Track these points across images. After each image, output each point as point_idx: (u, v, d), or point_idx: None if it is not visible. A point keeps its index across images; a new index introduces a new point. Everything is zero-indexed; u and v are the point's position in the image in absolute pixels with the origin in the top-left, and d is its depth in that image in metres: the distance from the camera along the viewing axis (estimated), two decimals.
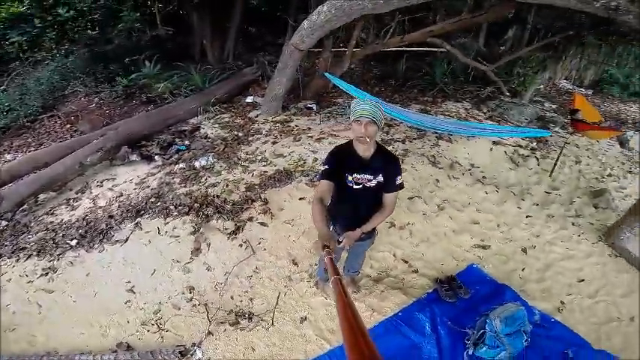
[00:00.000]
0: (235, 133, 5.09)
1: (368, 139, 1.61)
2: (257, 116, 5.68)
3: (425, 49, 5.34)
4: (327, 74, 4.95)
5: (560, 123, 5.85)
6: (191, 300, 2.44)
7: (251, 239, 3.06)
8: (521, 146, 5.05)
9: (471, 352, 2.21)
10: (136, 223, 3.16)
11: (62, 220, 3.23)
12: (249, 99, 6.14)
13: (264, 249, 2.98)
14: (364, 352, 0.66)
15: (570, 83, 7.42)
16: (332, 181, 1.68)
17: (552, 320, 2.50)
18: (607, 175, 4.66)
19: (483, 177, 4.33)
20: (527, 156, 4.89)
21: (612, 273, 3.04)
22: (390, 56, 6.59)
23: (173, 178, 3.96)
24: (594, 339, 2.39)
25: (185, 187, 3.81)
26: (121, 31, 5.66)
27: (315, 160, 4.42)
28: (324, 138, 4.96)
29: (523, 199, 4.05)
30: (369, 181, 1.73)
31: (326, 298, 2.57)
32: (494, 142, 4.93)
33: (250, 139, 4.95)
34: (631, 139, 4.94)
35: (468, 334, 2.34)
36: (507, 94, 5.36)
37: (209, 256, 2.85)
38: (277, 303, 2.46)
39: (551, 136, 4.85)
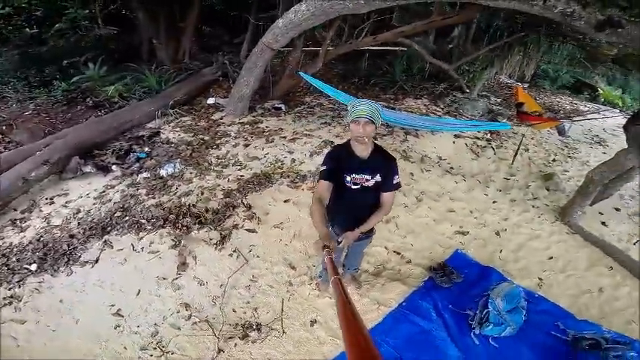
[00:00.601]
0: (201, 136, 4.79)
1: (366, 139, 1.63)
2: (222, 118, 5.41)
3: (387, 48, 5.56)
4: (301, 73, 4.90)
5: (507, 115, 6.53)
6: (190, 318, 2.22)
7: (241, 247, 2.89)
8: (478, 138, 5.53)
9: (478, 332, 2.34)
10: (105, 241, 2.79)
11: (12, 244, 2.73)
12: (210, 100, 5.83)
13: (257, 256, 2.84)
14: (364, 351, 0.67)
15: (508, 77, 8.32)
16: (330, 181, 1.68)
17: (537, 296, 2.76)
18: (552, 161, 5.31)
19: (451, 168, 4.65)
20: (485, 147, 5.37)
21: (573, 249, 3.45)
22: (351, 55, 6.74)
23: (138, 190, 3.59)
24: (576, 311, 2.69)
25: (154, 198, 3.48)
26: (59, 30, 4.97)
27: (293, 161, 4.36)
28: (298, 138, 4.91)
29: (488, 187, 4.43)
30: (367, 181, 1.74)
31: (330, 298, 2.53)
32: (455, 136, 5.32)
33: (219, 142, 4.70)
34: (568, 128, 5.70)
35: (470, 315, 2.49)
36: (467, 90, 5.84)
37: (198, 269, 2.63)
38: (283, 309, 2.36)
39: (511, 129, 5.37)
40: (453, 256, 3.19)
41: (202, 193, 3.60)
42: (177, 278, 2.52)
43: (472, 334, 2.36)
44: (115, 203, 3.29)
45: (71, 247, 2.68)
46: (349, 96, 4.75)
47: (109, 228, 2.95)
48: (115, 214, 3.11)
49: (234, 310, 2.35)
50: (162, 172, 3.83)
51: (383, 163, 1.76)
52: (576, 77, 8.11)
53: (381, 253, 3.08)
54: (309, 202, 3.46)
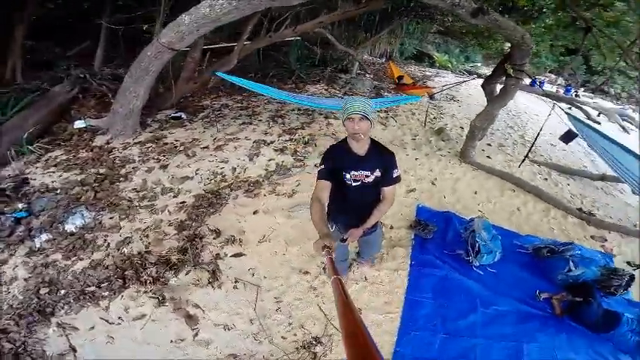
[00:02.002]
0: (94, 171, 3.74)
1: (362, 136, 1.64)
2: (109, 142, 4.35)
3: (285, 39, 5.60)
4: (219, 73, 4.39)
5: (386, 88, 7.72)
6: None
7: (240, 276, 2.55)
8: (379, 111, 6.38)
9: (477, 264, 2.88)
10: (60, 325, 1.97)
11: None
12: (78, 124, 4.54)
13: (264, 277, 2.57)
14: (364, 351, 0.68)
15: (368, 54, 9.70)
16: (329, 180, 1.69)
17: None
18: (433, 118, 6.67)
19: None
20: (387, 118, 6.26)
21: (484, 181, 4.55)
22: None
23: (48, 256, 2.60)
24: (516, 229, 3.58)
25: (80, 259, 2.60)
26: None
27: (234, 169, 4.00)
28: (223, 145, 4.48)
29: (405, 149, 5.24)
30: (367, 177, 1.76)
31: (357, 283, 2.60)
32: None
33: (124, 172, 3.81)
34: (438, 92, 7.24)
35: (461, 254, 3.02)
36: (360, 71, 6.53)
37: (212, 316, 2.18)
38: (325, 314, 2.28)
39: (420, 100, 6.35)
40: (418, 210, 3.70)
41: (147, 236, 2.91)
42: (197, 334, 2.04)
43: (473, 267, 2.89)
44: (26, 280, 2.32)
45: (17, 345, 1.77)
46: (279, 90, 4.65)
47: (50, 309, 2.13)
48: (41, 292, 2.22)
49: (283, 338, 2.11)
50: (70, 227, 2.87)
51: (381, 158, 1.78)
52: (417, 49, 10.28)
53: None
54: (280, 206, 3.42)
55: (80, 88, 5.07)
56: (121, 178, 3.68)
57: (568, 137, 4.76)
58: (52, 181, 3.51)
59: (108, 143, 4.32)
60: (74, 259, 2.59)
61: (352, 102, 1.61)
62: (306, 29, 4.88)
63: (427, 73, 9.90)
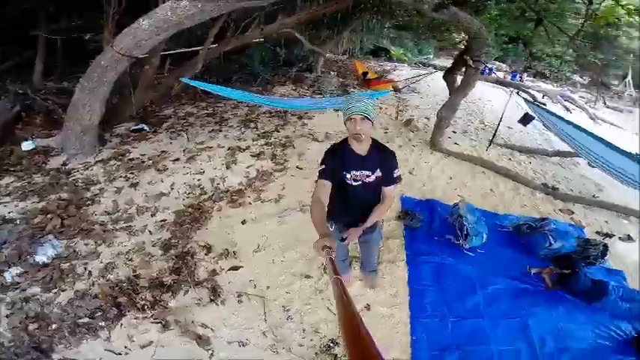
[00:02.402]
0: (54, 196, 3.40)
1: (363, 136, 1.66)
2: (67, 164, 3.98)
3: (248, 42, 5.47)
4: (185, 79, 4.16)
5: (352, 85, 7.88)
6: None
7: (242, 289, 2.48)
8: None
9: (467, 247, 3.04)
10: None
11: None
12: (26, 145, 4.10)
13: (267, 287, 2.52)
14: (365, 352, 0.69)
15: (331, 53, 9.83)
16: (330, 180, 1.70)
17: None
18: (400, 110, 6.92)
19: None
20: None
21: (456, 167, 4.82)
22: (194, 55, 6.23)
23: (25, 290, 2.34)
24: (493, 210, 3.84)
25: (64, 291, 2.37)
26: None
27: (213, 180, 3.85)
28: (196, 155, 4.30)
29: (389, 142, 5.33)
30: (368, 177, 1.76)
31: (361, 280, 2.65)
32: (335, 110, 6.05)
33: (89, 194, 3.51)
34: (402, 86, 7.51)
35: (450, 239, 3.18)
36: (324, 69, 6.57)
37: (223, 334, 2.09)
38: (335, 314, 2.29)
39: (388, 95, 6.49)
40: (403, 201, 3.83)
41: (131, 260, 2.71)
42: (212, 354, 1.95)
43: (464, 250, 3.05)
44: (8, 317, 2.10)
45: None
46: (251, 93, 4.55)
47: (47, 345, 1.94)
48: (30, 328, 2.03)
49: (300, 345, 2.08)
50: (41, 258, 2.60)
51: (382, 158, 1.79)
52: (374, 44, 10.60)
53: None
54: (268, 212, 3.36)
55: (22, 105, 4.58)
56: (88, 202, 3.39)
57: (526, 120, 5.21)
58: (9, 212, 3.13)
59: (65, 165, 3.95)
60: (55, 290, 2.36)
61: (354, 102, 1.61)
62: (273, 30, 4.81)
63: (386, 67, 10.26)
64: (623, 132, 8.72)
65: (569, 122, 4.18)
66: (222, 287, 2.47)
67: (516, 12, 4.93)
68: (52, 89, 4.93)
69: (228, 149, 4.46)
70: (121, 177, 3.81)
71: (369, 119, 1.62)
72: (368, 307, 2.43)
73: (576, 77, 14.39)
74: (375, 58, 11.09)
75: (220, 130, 5.06)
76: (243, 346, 2.04)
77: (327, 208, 1.68)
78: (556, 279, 2.71)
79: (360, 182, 1.77)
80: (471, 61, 4.76)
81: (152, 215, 3.29)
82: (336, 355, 2.05)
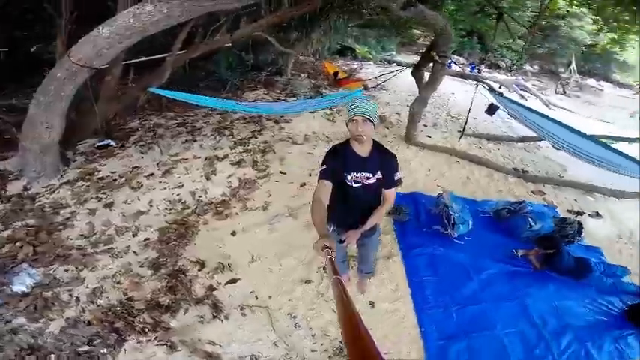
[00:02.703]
0: (20, 223, 3.13)
1: (365, 138, 1.67)
2: (27, 188, 3.67)
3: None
4: (153, 89, 3.96)
5: (324, 85, 7.94)
6: None
7: (244, 302, 2.42)
8: (323, 109, 6.54)
9: (455, 235, 3.19)
10: None
11: None
12: None
13: (269, 297, 2.49)
14: (365, 352, 0.69)
15: (301, 55, 9.82)
16: (330, 181, 1.71)
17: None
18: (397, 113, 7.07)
19: (327, 137, 5.39)
20: (331, 114, 6.46)
21: (432, 159, 5.02)
22: (159, 63, 5.98)
23: (8, 323, 2.17)
24: (472, 196, 4.07)
25: (52, 320, 2.22)
26: None
27: (194, 194, 3.73)
28: (172, 169, 4.14)
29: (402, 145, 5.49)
30: (369, 179, 1.78)
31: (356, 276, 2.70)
32: (310, 112, 6.08)
33: (59, 219, 3.27)
34: (373, 85, 7.69)
35: (438, 229, 3.32)
36: (294, 72, 6.57)
37: (233, 349, 2.05)
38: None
39: (363, 94, 6.55)
40: None
41: (119, 283, 2.57)
42: None
43: (453, 239, 3.20)
44: (2, 351, 1.94)
45: None
46: (225, 100, 4.44)
47: None
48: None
49: (313, 351, 2.07)
50: (20, 288, 2.41)
51: (384, 160, 1.81)
52: (340, 44, 10.76)
53: None
54: (257, 221, 3.32)
55: None
56: (60, 227, 3.15)
57: (491, 110, 5.54)
58: None
59: (27, 189, 3.64)
60: (44, 320, 2.20)
61: (355, 104, 1.64)
62: (244, 34, 4.73)
63: (353, 66, 10.45)
64: (574, 115, 9.52)
65: (532, 110, 4.51)
66: (222, 302, 2.41)
67: (476, 7, 5.25)
68: (2, 107, 4.51)
69: (206, 159, 4.34)
70: (92, 198, 3.58)
71: (371, 121, 1.64)
72: (372, 304, 2.48)
73: (527, 66, 15.51)
74: (342, 58, 11.25)
75: (194, 140, 4.90)
76: (256, 359, 2.00)
77: (326, 209, 1.66)
78: (542, 259, 2.91)
79: (360, 184, 1.78)
80: (438, 57, 4.99)
81: (134, 235, 3.13)
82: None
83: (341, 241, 1.83)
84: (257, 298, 2.47)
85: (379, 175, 1.79)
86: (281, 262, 2.85)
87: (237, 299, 2.44)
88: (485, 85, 5.66)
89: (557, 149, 5.01)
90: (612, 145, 4.13)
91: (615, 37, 5.84)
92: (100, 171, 4.07)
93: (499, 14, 4.54)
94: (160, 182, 3.90)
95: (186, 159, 4.36)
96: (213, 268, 2.71)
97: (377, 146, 1.82)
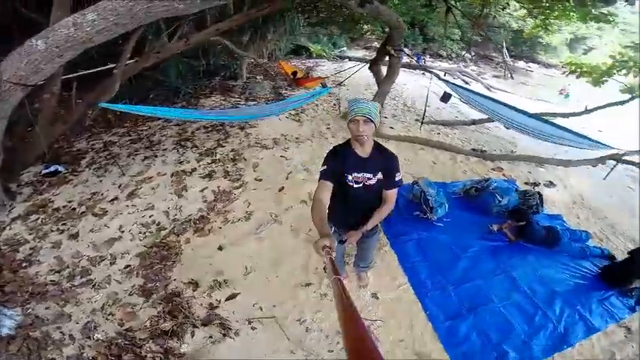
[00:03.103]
0: None
1: (365, 138, 1.69)
2: None
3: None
4: (105, 104, 3.66)
5: (284, 86, 7.91)
6: None
7: (251, 316, 2.40)
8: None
9: (435, 218, 3.41)
10: None
11: None
12: None
13: (273, 305, 2.49)
14: (365, 352, 0.69)
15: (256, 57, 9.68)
16: (331, 181, 1.73)
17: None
18: (333, 105, 7.24)
19: (296, 139, 5.42)
20: (297, 114, 6.49)
21: (397, 148, 5.22)
22: (104, 75, 5.54)
23: None
24: (441, 179, 4.35)
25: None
26: None
27: (167, 214, 3.56)
28: (137, 190, 3.91)
29: (327, 138, 5.60)
30: (369, 179, 1.79)
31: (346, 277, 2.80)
32: (275, 115, 6.04)
33: (22, 256, 2.97)
34: (327, 82, 7.83)
35: (418, 214, 3.53)
36: (249, 75, 6.47)
37: None
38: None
39: (330, 91, 6.59)
40: None
41: (111, 314, 2.43)
42: None
43: (433, 222, 3.43)
44: None
45: None
46: (185, 110, 4.25)
47: None
48: None
49: (330, 351, 2.13)
50: (4, 331, 2.22)
51: (384, 161, 1.82)
52: (294, 43, 10.78)
53: None
54: (242, 232, 3.28)
55: None
56: (24, 264, 2.86)
57: (446, 98, 5.99)
58: None
59: None
60: None
61: (357, 104, 1.67)
62: (199, 40, 4.55)
63: (309, 65, 10.54)
64: (512, 96, 10.55)
65: (482, 94, 4.97)
66: (228, 319, 2.37)
67: (424, 1, 5.60)
68: None
69: (172, 175, 4.15)
70: (52, 231, 3.28)
71: (371, 121, 1.67)
72: (376, 296, 2.59)
73: (464, 53, 16.80)
74: (296, 57, 11.28)
75: (155, 156, 4.64)
76: None
77: (327, 209, 1.69)
78: (516, 232, 3.23)
79: (361, 184, 1.81)
80: (393, 50, 5.26)
81: (111, 264, 2.94)
82: None
83: (341, 242, 1.89)
84: (262, 309, 2.46)
85: (380, 176, 1.81)
86: (277, 269, 2.85)
87: (242, 314, 2.41)
88: (434, 75, 6.09)
89: (508, 128, 5.55)
90: (553, 121, 4.72)
91: (539, 22, 6.54)
92: (53, 201, 3.72)
93: (448, 7, 4.91)
94: (127, 206, 3.67)
95: (150, 177, 4.13)
96: (208, 286, 2.64)
97: (377, 146, 1.84)
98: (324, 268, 2.79)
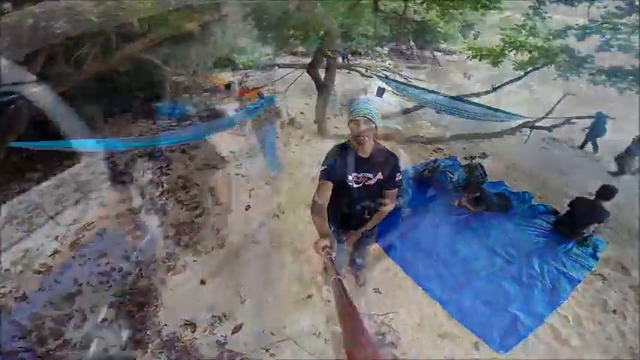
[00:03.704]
0: None
1: (366, 138, 1.71)
2: None
3: None
4: (17, 143, 3.11)
5: (217, 101, 7.65)
6: None
7: (264, 343, 2.34)
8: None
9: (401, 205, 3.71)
10: None
11: None
12: None
13: (284, 327, 2.46)
14: (365, 352, 0.71)
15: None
16: (331, 181, 1.74)
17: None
18: (289, 115, 7.17)
19: (246, 153, 5.30)
20: (237, 128, 6.32)
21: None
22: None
23: None
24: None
25: None
26: None
27: (126, 257, 3.22)
28: (80, 238, 3.46)
29: (285, 145, 5.61)
30: (369, 179, 1.82)
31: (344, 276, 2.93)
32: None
33: None
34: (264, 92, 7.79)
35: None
36: (173, 94, 6.19)
37: None
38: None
39: (275, 101, 6.46)
40: None
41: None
42: None
43: (401, 209, 3.70)
44: None
45: None
46: (118, 138, 3.86)
47: None
48: None
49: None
50: None
51: (384, 161, 1.85)
52: (212, 55, 10.36)
53: None
54: (222, 261, 3.21)
55: None
56: None
57: (381, 92, 6.48)
58: None
59: None
60: None
61: (357, 104, 1.70)
62: (125, 57, 4.14)
63: (238, 76, 10.31)
64: (428, 84, 11.77)
65: (412, 85, 5.52)
66: (244, 353, 2.28)
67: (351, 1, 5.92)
68: None
69: (118, 217, 3.77)
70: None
71: (372, 122, 1.70)
72: (378, 291, 2.73)
73: (379, 49, 18.13)
74: (222, 70, 10.89)
75: (89, 199, 4.13)
76: None
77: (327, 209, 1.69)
78: (474, 203, 3.67)
79: (361, 184, 1.84)
80: (330, 53, 5.53)
81: (82, 321, 2.60)
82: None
83: (341, 242, 1.95)
84: (273, 334, 2.42)
85: (380, 176, 1.84)
86: (275, 288, 2.82)
87: (255, 343, 2.34)
88: (360, 72, 6.54)
89: (439, 112, 6.23)
90: (473, 100, 5.48)
91: (438, 12, 7.37)
92: None
93: (375, 6, 5.35)
94: (74, 257, 3.24)
95: (90, 223, 3.69)
96: (208, 324, 2.50)
97: (378, 147, 1.87)
98: (324, 269, 2.81)
